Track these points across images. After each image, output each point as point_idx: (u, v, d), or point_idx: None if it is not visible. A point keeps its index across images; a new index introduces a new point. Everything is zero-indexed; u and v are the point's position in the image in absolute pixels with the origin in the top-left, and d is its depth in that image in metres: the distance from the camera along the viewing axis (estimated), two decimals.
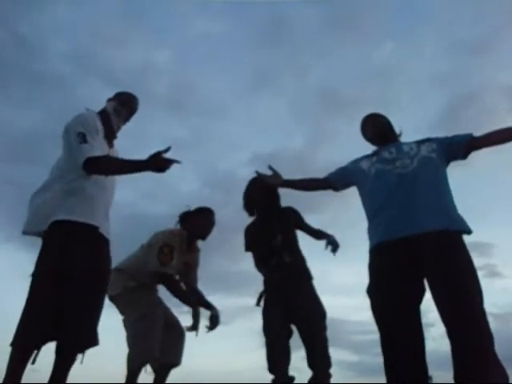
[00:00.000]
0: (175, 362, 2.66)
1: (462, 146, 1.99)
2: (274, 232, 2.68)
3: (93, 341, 1.91)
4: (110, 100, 2.17)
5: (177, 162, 1.82)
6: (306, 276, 2.67)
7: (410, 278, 1.78)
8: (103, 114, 2.12)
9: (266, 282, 2.68)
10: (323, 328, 2.52)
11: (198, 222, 2.81)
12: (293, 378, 2.49)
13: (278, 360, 2.49)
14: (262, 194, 2.74)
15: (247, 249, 2.83)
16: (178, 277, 2.79)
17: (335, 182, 2.24)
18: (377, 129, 2.20)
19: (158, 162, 1.81)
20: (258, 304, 2.66)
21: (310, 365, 2.47)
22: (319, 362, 2.45)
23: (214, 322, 2.74)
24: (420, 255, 1.75)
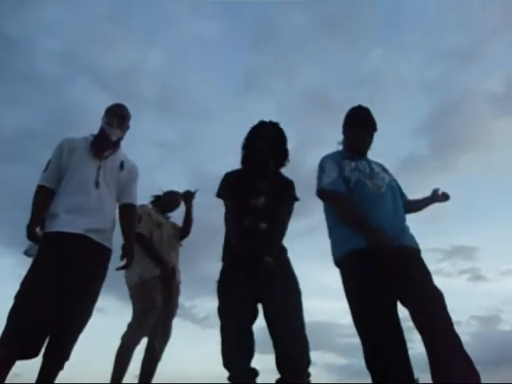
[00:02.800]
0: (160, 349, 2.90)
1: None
2: (257, 192, 2.18)
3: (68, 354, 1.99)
4: (102, 118, 2.36)
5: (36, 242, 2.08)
6: (281, 251, 2.18)
7: (386, 284, 1.85)
8: (99, 131, 2.33)
9: (226, 248, 2.17)
10: (299, 308, 2.04)
11: (166, 201, 3.35)
12: (256, 372, 1.96)
13: (235, 350, 1.94)
14: (269, 145, 2.27)
15: (219, 195, 2.28)
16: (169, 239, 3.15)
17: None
18: (362, 145, 2.20)
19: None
20: (219, 282, 2.12)
21: (280, 362, 1.91)
22: (293, 357, 1.89)
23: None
24: (394, 265, 1.85)
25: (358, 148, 2.19)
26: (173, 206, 3.34)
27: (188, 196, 3.23)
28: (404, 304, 1.83)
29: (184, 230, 3.26)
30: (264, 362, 2.10)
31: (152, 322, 2.79)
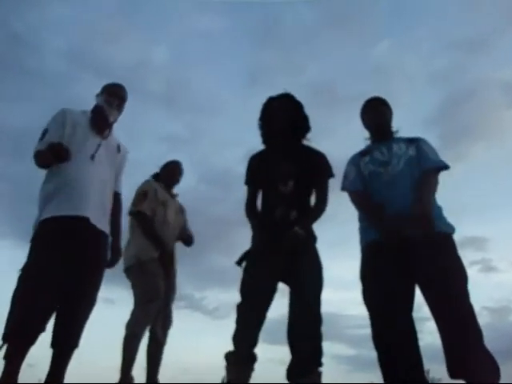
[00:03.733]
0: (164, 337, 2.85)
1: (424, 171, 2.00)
2: (285, 176, 2.07)
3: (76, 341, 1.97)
4: (98, 95, 2.28)
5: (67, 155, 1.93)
6: (310, 237, 2.10)
7: (403, 276, 1.84)
8: (96, 108, 2.23)
9: (255, 237, 2.11)
10: (318, 301, 1.98)
11: (167, 173, 3.15)
12: (256, 357, 1.95)
13: (249, 330, 1.93)
14: (287, 118, 2.15)
15: (248, 181, 2.22)
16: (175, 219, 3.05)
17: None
18: (377, 123, 2.20)
19: (56, 151, 1.93)
20: (239, 263, 2.05)
21: (293, 353, 1.91)
22: (306, 337, 1.88)
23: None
24: (413, 255, 1.83)
25: (377, 127, 2.20)
26: (176, 176, 3.16)
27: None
28: (423, 296, 1.83)
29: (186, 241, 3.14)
30: (274, 353, 2.09)
31: (155, 312, 2.71)
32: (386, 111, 2.21)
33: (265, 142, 2.25)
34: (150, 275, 2.75)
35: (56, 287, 1.85)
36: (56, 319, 1.88)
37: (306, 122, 2.23)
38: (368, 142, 2.26)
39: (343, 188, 2.17)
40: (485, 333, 1.69)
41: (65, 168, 2.00)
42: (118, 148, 2.29)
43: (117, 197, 2.29)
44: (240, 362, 1.90)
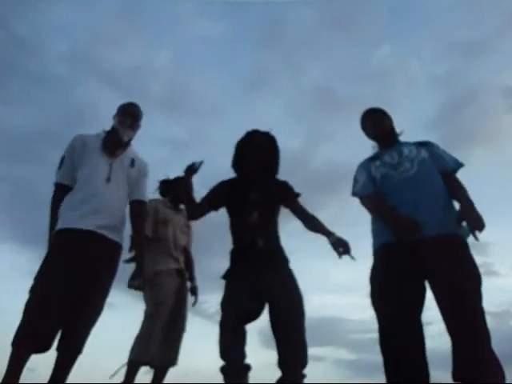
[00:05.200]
0: (172, 362, 2.79)
1: (446, 172, 2.05)
2: (250, 207, 2.20)
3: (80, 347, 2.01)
4: (114, 116, 2.37)
5: None
6: (282, 258, 2.21)
7: (415, 278, 1.83)
8: (112, 129, 2.34)
9: (234, 253, 2.24)
10: (301, 314, 2.04)
11: (178, 190, 3.06)
12: (248, 367, 2.03)
13: (236, 346, 2.01)
14: (260, 153, 2.29)
15: (208, 196, 2.32)
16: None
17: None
18: (380, 131, 2.24)
19: None
20: (225, 277, 2.19)
21: (281, 362, 1.97)
22: (292, 357, 1.95)
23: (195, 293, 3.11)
24: (425, 256, 1.81)
25: (379, 135, 2.24)
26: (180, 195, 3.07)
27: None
28: (434, 298, 1.81)
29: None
30: (275, 358, 2.11)
31: (160, 330, 2.67)
32: (385, 121, 2.24)
33: (235, 167, 2.37)
34: (160, 289, 2.77)
35: (65, 298, 1.91)
36: (63, 325, 1.93)
37: (278, 168, 2.36)
38: (375, 150, 2.29)
39: (354, 193, 2.19)
40: None
41: (80, 190, 2.14)
42: (132, 162, 2.34)
43: (138, 204, 2.36)
44: (236, 375, 1.97)
